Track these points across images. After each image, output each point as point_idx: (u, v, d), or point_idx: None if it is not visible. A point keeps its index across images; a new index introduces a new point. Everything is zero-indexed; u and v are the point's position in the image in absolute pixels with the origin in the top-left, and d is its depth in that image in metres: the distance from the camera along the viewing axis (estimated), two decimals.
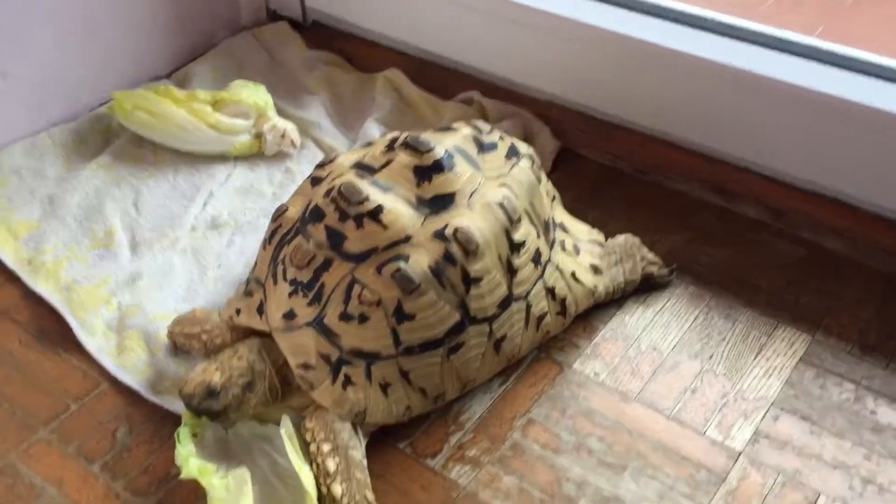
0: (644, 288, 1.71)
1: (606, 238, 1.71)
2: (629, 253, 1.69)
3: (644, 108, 1.96)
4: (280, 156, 2.06)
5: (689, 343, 1.62)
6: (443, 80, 2.22)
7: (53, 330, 1.66)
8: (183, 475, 1.31)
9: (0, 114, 1.96)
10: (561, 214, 1.69)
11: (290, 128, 2.03)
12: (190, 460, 1.32)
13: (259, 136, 2.04)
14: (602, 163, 2.04)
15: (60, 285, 1.71)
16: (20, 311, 1.70)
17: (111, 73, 2.15)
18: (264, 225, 1.84)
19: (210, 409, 1.36)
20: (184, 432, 1.36)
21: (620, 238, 1.72)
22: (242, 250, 1.80)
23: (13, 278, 1.76)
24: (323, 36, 2.43)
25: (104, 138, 2.09)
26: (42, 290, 1.71)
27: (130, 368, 1.57)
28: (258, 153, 2.06)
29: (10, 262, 1.77)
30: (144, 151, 2.05)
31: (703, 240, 1.83)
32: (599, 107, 2.01)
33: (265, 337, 1.46)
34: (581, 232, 1.70)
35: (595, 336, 1.64)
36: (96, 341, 1.62)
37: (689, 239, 1.83)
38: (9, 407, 1.53)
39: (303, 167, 2.03)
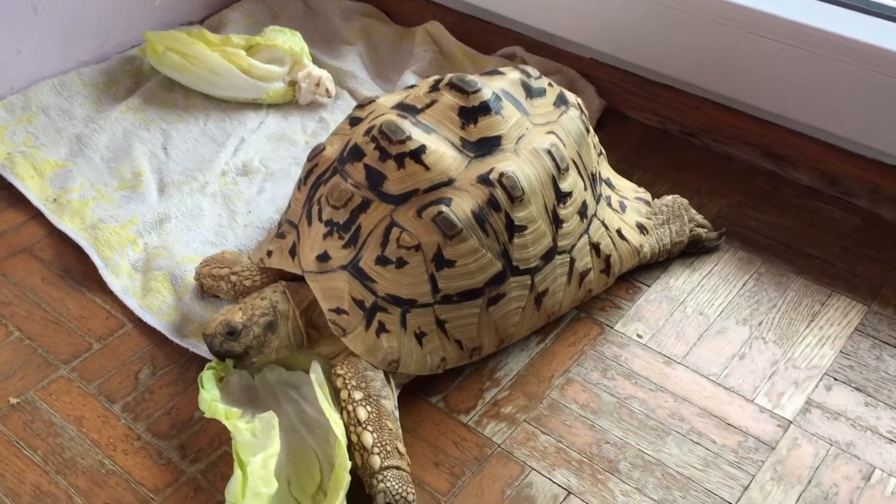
0: (691, 251, 1.64)
1: (653, 198, 1.64)
2: (677, 214, 1.62)
3: (694, 66, 1.87)
4: (314, 105, 2.00)
5: (737, 308, 1.54)
6: (484, 35, 2.14)
7: (77, 269, 1.61)
8: (207, 415, 1.25)
9: (29, 51, 1.91)
10: (607, 170, 1.61)
11: (325, 76, 1.97)
12: (213, 404, 1.27)
13: (293, 83, 1.97)
14: (648, 124, 1.96)
15: (86, 224, 1.66)
16: (43, 248, 1.65)
17: (143, 16, 2.10)
18: (296, 173, 1.79)
19: (231, 350, 1.30)
20: (207, 376, 1.30)
21: (668, 198, 1.64)
22: (273, 197, 1.74)
23: (37, 216, 1.71)
24: None
25: (134, 81, 2.03)
26: (67, 229, 1.66)
27: (156, 310, 1.51)
28: (291, 101, 1.99)
29: (35, 200, 1.72)
30: (175, 96, 1.99)
31: (753, 205, 1.75)
32: (647, 65, 1.93)
33: (296, 281, 1.40)
34: (627, 189, 1.62)
35: (638, 297, 1.57)
36: (121, 282, 1.57)
37: (738, 203, 1.75)
38: (30, 344, 1.48)
39: (337, 117, 1.96)
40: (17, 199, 1.74)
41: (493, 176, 1.32)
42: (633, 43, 1.92)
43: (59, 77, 1.96)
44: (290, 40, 1.98)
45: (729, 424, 1.36)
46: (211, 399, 1.27)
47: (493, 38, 2.13)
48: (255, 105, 1.97)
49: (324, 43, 2.15)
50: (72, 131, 1.87)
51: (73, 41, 1.98)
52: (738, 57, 1.78)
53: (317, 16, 2.26)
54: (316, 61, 2.05)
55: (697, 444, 1.34)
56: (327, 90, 1.97)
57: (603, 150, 1.62)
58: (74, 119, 1.91)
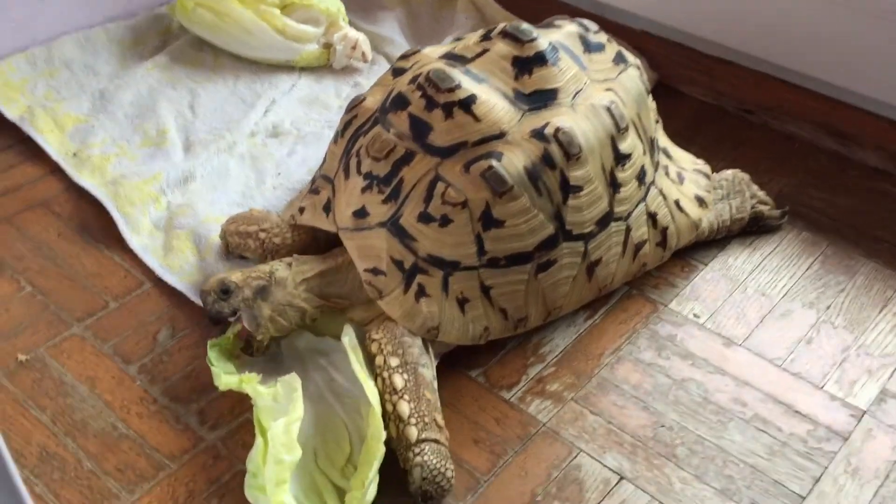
0: (751, 229, 1.52)
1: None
2: (738, 189, 1.50)
3: (753, 39, 1.76)
4: (349, 70, 1.90)
5: (802, 291, 1.43)
6: (529, 4, 2.04)
7: (95, 226, 1.51)
8: (222, 389, 1.15)
9: (54, 2, 1.82)
10: (664, 139, 1.50)
11: (362, 39, 1.87)
12: (226, 377, 1.17)
13: (328, 46, 1.88)
14: (702, 100, 1.85)
15: (106, 179, 1.57)
16: (61, 203, 1.56)
17: None
18: (329, 137, 1.68)
19: (222, 311, 1.20)
20: (214, 353, 1.21)
21: (728, 172, 1.53)
22: (304, 159, 1.64)
23: (56, 170, 1.62)
24: None
25: (162, 39, 1.94)
26: (86, 183, 1.56)
27: (177, 269, 1.41)
28: (325, 65, 1.90)
29: (54, 154, 1.63)
30: (204, 55, 1.90)
31: (816, 185, 1.63)
32: (703, 35, 1.81)
33: (329, 242, 1.29)
34: (685, 160, 1.51)
35: (694, 276, 1.45)
36: (141, 239, 1.47)
37: (800, 183, 1.64)
38: (42, 300, 1.38)
39: (372, 83, 1.86)
40: (36, 153, 1.65)
41: (549, 131, 1.21)
42: (688, 11, 1.81)
43: (84, 31, 1.87)
44: (326, 0, 1.88)
45: (796, 412, 1.25)
46: (224, 373, 1.17)
47: (538, 8, 2.02)
48: (287, 68, 1.88)
49: (361, 7, 2.06)
50: (95, 87, 1.78)
51: None
52: (802, 25, 1.67)
53: None
54: (352, 25, 1.95)
55: (762, 431, 1.22)
56: (363, 54, 1.87)
57: (659, 118, 1.51)
58: (98, 75, 1.82)
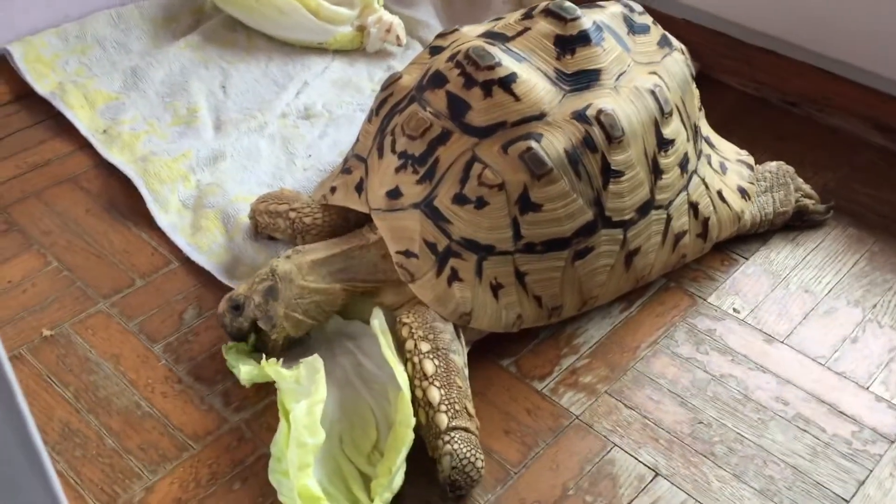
0: (794, 223, 1.47)
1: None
2: (782, 181, 1.45)
3: (798, 28, 1.70)
4: (382, 53, 1.86)
5: (847, 288, 1.37)
6: None
7: (123, 203, 1.49)
8: (248, 385, 1.13)
9: None
10: (706, 128, 1.46)
11: (396, 22, 1.84)
12: (246, 371, 1.14)
13: (362, 28, 1.85)
14: (744, 90, 1.80)
15: (136, 156, 1.55)
16: (90, 180, 1.54)
17: None
18: (361, 119, 1.65)
19: (241, 328, 1.17)
20: (231, 357, 1.19)
21: (772, 164, 1.48)
22: (336, 142, 1.61)
23: (85, 146, 1.60)
24: None
25: (195, 19, 1.92)
26: (116, 160, 1.54)
27: (205, 249, 1.39)
28: (358, 48, 1.86)
29: (84, 130, 1.61)
30: (237, 36, 1.88)
31: (863, 180, 1.58)
32: (745, 23, 1.76)
33: (359, 222, 1.26)
34: (728, 150, 1.46)
35: (734, 270, 1.41)
36: (170, 217, 1.45)
37: (845, 177, 1.58)
38: (68, 275, 1.36)
39: None
40: (66, 129, 1.64)
41: (591, 112, 1.17)
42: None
43: (116, 9, 1.85)
44: None
45: (840, 412, 1.20)
46: (245, 371, 1.14)
47: None
48: (319, 50, 1.85)
49: None
50: (127, 64, 1.76)
51: None
52: (850, 15, 1.61)
53: None
54: (387, 8, 1.91)
55: (805, 431, 1.17)
56: (398, 38, 1.84)
57: (702, 106, 1.46)
58: (130, 52, 1.80)
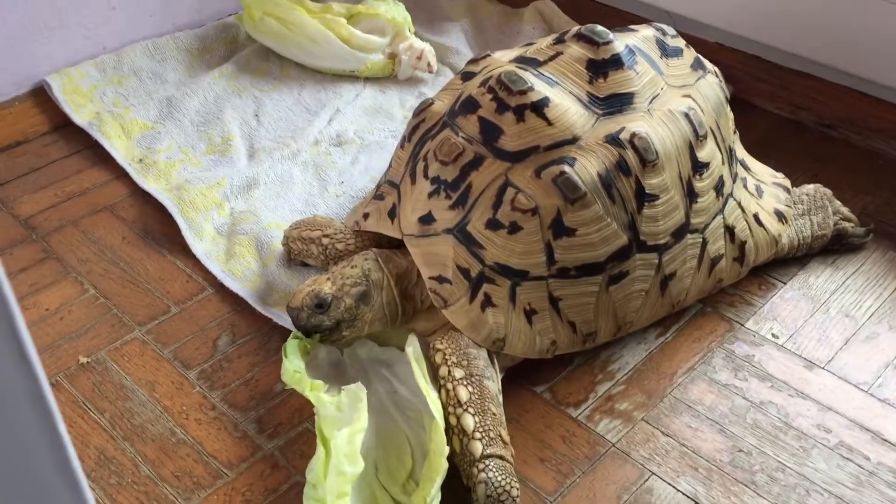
0: (833, 247, 1.44)
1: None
2: (819, 204, 1.43)
3: (833, 50, 1.68)
4: (413, 80, 1.88)
5: (890, 313, 1.34)
6: (596, 18, 1.99)
7: (159, 231, 1.51)
8: (289, 386, 1.12)
9: (124, 10, 1.84)
10: (741, 150, 1.44)
11: (427, 49, 1.85)
12: (297, 375, 1.13)
13: (393, 56, 1.86)
14: (779, 114, 1.78)
15: (171, 185, 1.57)
16: (126, 208, 1.56)
17: None
18: (392, 146, 1.66)
19: (320, 324, 1.16)
20: (291, 345, 1.17)
21: (809, 187, 1.46)
22: (367, 168, 1.62)
23: (122, 175, 1.62)
24: None
25: (229, 49, 1.95)
26: (151, 188, 1.56)
27: (239, 275, 1.40)
28: (390, 75, 1.88)
29: (121, 159, 1.64)
30: (270, 65, 1.90)
31: None
32: (780, 46, 1.75)
33: (390, 249, 1.26)
34: (764, 173, 1.44)
35: (772, 294, 1.38)
36: (204, 245, 1.46)
37: (885, 201, 1.56)
38: (104, 302, 1.37)
39: None
40: (103, 158, 1.66)
41: (624, 136, 1.17)
42: (764, 22, 1.75)
43: (153, 40, 1.89)
44: (392, 10, 1.87)
45: (885, 440, 1.17)
46: (294, 370, 1.13)
47: (606, 20, 1.96)
48: (351, 77, 1.87)
49: (426, 19, 2.04)
50: (163, 94, 1.79)
51: (170, 4, 1.91)
52: (886, 37, 1.59)
53: None
54: (418, 36, 1.93)
55: (848, 459, 1.14)
56: (429, 64, 1.85)
57: (736, 129, 1.45)
58: (166, 82, 1.83)
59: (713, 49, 1.85)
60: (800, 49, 1.72)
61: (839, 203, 1.46)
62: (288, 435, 1.18)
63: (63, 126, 1.74)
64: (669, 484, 1.12)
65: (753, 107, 1.80)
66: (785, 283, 1.40)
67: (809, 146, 1.70)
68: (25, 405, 0.47)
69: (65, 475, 0.53)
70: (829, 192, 1.46)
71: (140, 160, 1.64)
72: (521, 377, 1.25)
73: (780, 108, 1.78)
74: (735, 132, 1.42)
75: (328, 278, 1.19)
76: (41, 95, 1.74)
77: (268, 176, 1.58)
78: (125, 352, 1.30)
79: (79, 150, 1.69)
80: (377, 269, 1.20)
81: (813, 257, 1.44)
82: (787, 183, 1.44)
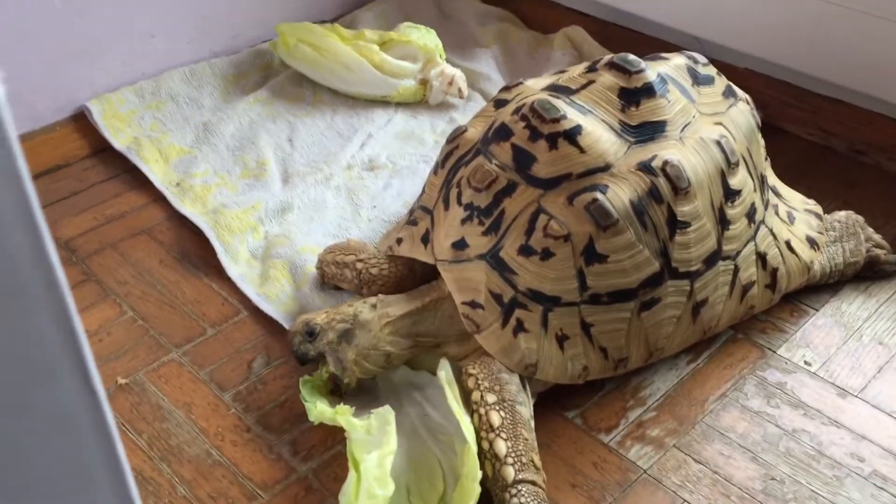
0: (865, 274, 1.44)
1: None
2: (851, 231, 1.43)
3: (865, 76, 1.69)
4: (444, 106, 1.90)
5: None
6: (626, 45, 2.00)
7: (195, 254, 1.54)
8: (316, 423, 1.14)
9: (163, 37, 1.89)
10: (773, 177, 1.44)
11: (458, 75, 1.87)
12: (319, 410, 1.15)
13: (424, 82, 1.88)
14: (810, 139, 1.78)
15: (207, 209, 1.60)
16: (163, 231, 1.59)
17: (277, 12, 2.06)
18: (425, 171, 1.68)
19: (307, 353, 1.19)
20: (307, 388, 1.20)
21: (841, 214, 1.46)
22: (400, 193, 1.64)
23: (159, 198, 1.66)
24: None
25: (263, 75, 1.99)
26: (188, 212, 1.59)
27: (273, 299, 1.42)
28: (421, 101, 1.90)
29: (158, 183, 1.67)
30: (303, 91, 1.93)
31: None
32: (810, 72, 1.75)
33: (425, 271, 1.28)
34: (795, 200, 1.45)
35: (804, 321, 1.38)
36: (239, 268, 1.48)
37: None
38: (142, 325, 1.40)
39: (468, 119, 1.85)
40: (141, 182, 1.70)
41: (656, 164, 1.18)
42: (794, 48, 1.76)
43: (189, 66, 1.93)
44: (424, 37, 1.90)
45: None
46: (317, 410, 1.16)
47: (636, 47, 1.98)
48: (383, 103, 1.89)
49: (457, 46, 2.07)
50: (199, 119, 1.83)
51: (208, 32, 1.95)
52: None
53: (450, 19, 2.18)
54: (449, 62, 1.95)
55: (882, 489, 1.14)
56: (460, 90, 1.87)
57: (767, 156, 1.45)
58: (202, 108, 1.87)
59: (743, 74, 1.86)
60: (830, 74, 1.73)
61: (871, 230, 1.45)
62: (322, 457, 1.19)
63: (102, 150, 1.78)
64: None
65: (784, 132, 1.80)
66: (817, 310, 1.40)
67: (840, 172, 1.70)
68: (89, 433, 0.49)
69: (120, 494, 0.55)
70: (861, 218, 1.46)
71: (177, 184, 1.67)
72: (552, 402, 1.26)
73: (811, 133, 1.78)
74: (766, 158, 1.43)
75: (326, 311, 1.22)
76: (81, 120, 1.79)
77: (301, 200, 1.61)
78: (162, 373, 1.32)
79: (117, 175, 1.73)
80: (369, 311, 1.21)
81: (845, 284, 1.44)
82: (819, 209, 1.44)
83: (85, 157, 1.78)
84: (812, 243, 1.38)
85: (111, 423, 0.52)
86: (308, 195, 1.62)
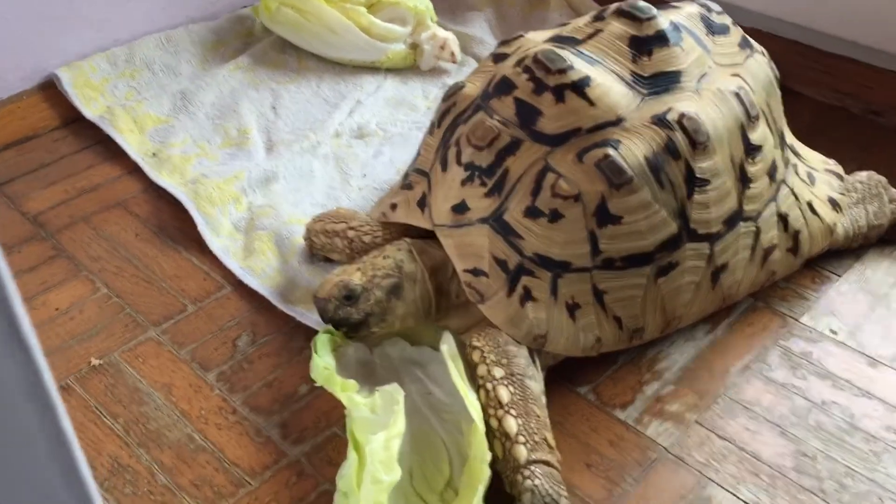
0: (890, 237, 1.35)
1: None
2: (874, 192, 1.34)
3: (881, 33, 1.60)
4: (436, 71, 1.80)
5: None
6: None
7: (173, 227, 1.43)
8: (319, 383, 1.03)
9: (138, 2, 1.78)
10: (790, 136, 1.35)
11: (451, 39, 1.77)
12: (327, 372, 1.05)
13: (415, 46, 1.78)
14: (824, 101, 1.69)
15: (186, 179, 1.49)
16: (139, 204, 1.49)
17: None
18: (417, 138, 1.58)
19: (349, 317, 1.08)
20: (322, 341, 1.08)
21: (863, 174, 1.37)
22: (391, 160, 1.54)
23: (134, 170, 1.55)
24: None
25: (244, 41, 1.88)
26: (165, 183, 1.49)
27: (259, 273, 1.32)
28: (412, 66, 1.80)
29: (133, 153, 1.57)
30: (287, 57, 1.83)
31: None
32: (825, 30, 1.66)
33: (422, 239, 1.18)
34: (815, 160, 1.36)
35: (828, 288, 1.30)
36: (222, 241, 1.38)
37: None
38: (118, 302, 1.30)
39: None
40: (114, 153, 1.59)
41: (672, 117, 1.08)
42: (806, 4, 1.66)
43: (165, 32, 1.82)
44: None
45: None
46: (324, 366, 1.05)
47: None
48: (372, 69, 1.79)
49: (448, 8, 1.97)
50: (176, 87, 1.72)
51: None
52: None
53: None
54: (440, 25, 1.85)
55: None
56: (452, 54, 1.77)
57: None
58: (180, 76, 1.76)
59: (751, 34, 1.75)
60: (844, 32, 1.64)
61: (895, 191, 1.37)
62: (314, 440, 1.10)
63: (73, 121, 1.67)
64: (729, 492, 1.03)
65: (796, 94, 1.71)
66: (840, 276, 1.31)
67: (857, 133, 1.61)
68: (29, 411, 0.39)
69: (73, 486, 0.46)
70: (883, 179, 1.37)
71: (154, 154, 1.56)
72: (562, 377, 1.16)
73: (825, 94, 1.69)
74: (784, 116, 1.34)
75: (358, 268, 1.11)
76: (50, 89, 1.68)
77: (287, 169, 1.51)
78: (139, 353, 1.22)
79: (89, 146, 1.62)
80: (411, 260, 1.12)
81: (869, 248, 1.35)
82: (840, 169, 1.36)
83: (55, 128, 1.67)
84: (834, 204, 1.29)
85: (71, 435, 0.42)
86: (294, 164, 1.52)
